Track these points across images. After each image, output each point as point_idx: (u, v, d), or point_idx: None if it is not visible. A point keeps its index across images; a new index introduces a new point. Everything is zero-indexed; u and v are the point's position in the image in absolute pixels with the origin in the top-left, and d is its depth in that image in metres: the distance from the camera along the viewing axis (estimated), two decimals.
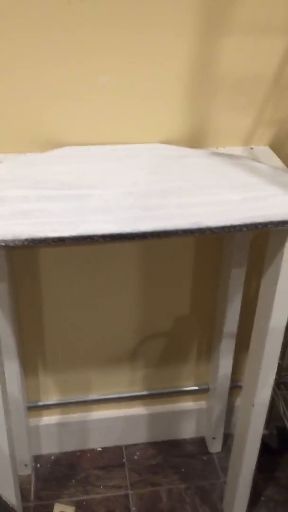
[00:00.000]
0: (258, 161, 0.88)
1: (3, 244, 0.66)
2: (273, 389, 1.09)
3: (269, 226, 0.73)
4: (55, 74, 0.85)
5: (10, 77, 0.85)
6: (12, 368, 1.06)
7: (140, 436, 1.27)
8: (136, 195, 0.78)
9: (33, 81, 0.85)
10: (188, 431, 1.29)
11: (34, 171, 0.82)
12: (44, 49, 0.83)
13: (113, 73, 0.87)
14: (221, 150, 0.94)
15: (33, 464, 1.22)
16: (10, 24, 0.81)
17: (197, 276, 1.10)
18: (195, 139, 0.94)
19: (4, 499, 0.94)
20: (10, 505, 0.95)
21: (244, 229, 0.72)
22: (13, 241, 0.66)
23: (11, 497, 0.96)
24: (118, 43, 0.85)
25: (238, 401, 1.27)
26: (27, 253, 1.01)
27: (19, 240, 0.66)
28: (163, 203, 0.76)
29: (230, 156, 0.89)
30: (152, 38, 0.85)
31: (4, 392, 0.86)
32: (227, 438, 1.29)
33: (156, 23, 0.84)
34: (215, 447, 1.26)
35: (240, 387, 1.24)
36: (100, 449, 1.27)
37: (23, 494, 1.15)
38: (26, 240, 0.67)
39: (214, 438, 1.25)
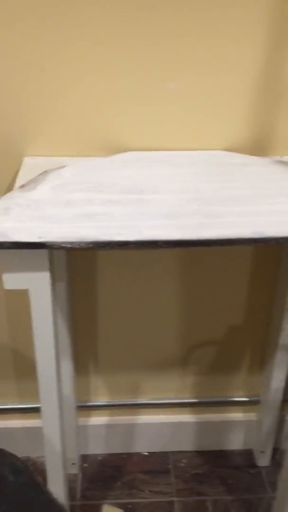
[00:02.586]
0: None
1: (69, 246, 0.67)
2: None
3: None
4: (122, 80, 0.87)
5: (78, 83, 0.86)
6: (65, 367, 1.07)
7: (187, 443, 1.26)
8: (199, 201, 0.77)
9: (99, 87, 0.87)
10: (236, 442, 1.26)
11: (98, 175, 0.83)
12: (112, 56, 0.85)
13: (179, 80, 0.87)
14: (286, 158, 0.92)
15: (80, 463, 1.23)
16: (80, 32, 0.83)
17: (253, 284, 1.08)
18: (259, 147, 0.93)
19: (54, 496, 0.95)
20: (60, 503, 0.96)
21: None
22: (79, 243, 0.68)
23: (60, 495, 0.98)
24: (185, 50, 0.85)
25: None
26: (85, 255, 1.03)
27: (84, 243, 0.68)
28: (227, 211, 0.75)
29: None
30: (219, 45, 0.85)
31: (60, 390, 0.88)
32: (276, 453, 1.26)
33: (224, 31, 0.84)
34: (263, 461, 1.24)
35: None
36: (146, 453, 1.27)
37: (70, 492, 1.16)
38: (91, 242, 0.68)
39: (262, 452, 1.22)
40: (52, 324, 0.79)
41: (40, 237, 0.68)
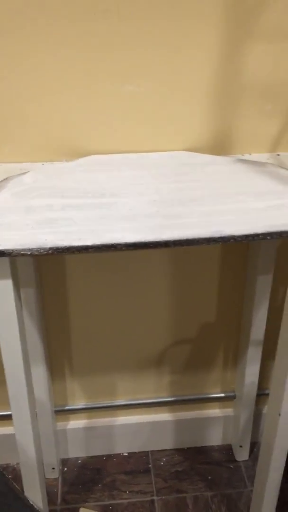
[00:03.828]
0: (285, 168, 0.87)
1: (29, 253, 0.67)
2: None
3: None
4: (81, 84, 0.87)
5: (37, 87, 0.86)
6: (40, 372, 1.07)
7: (166, 442, 1.27)
8: (159, 203, 0.78)
9: (59, 91, 0.87)
10: (214, 438, 1.28)
11: (59, 180, 0.84)
12: (70, 58, 0.85)
13: (137, 81, 0.88)
14: (246, 157, 0.94)
15: (60, 467, 1.23)
16: (38, 39, 0.83)
17: (222, 282, 1.09)
18: (220, 146, 0.94)
19: (31, 502, 0.95)
20: (37, 509, 0.96)
21: (268, 238, 0.72)
22: (38, 249, 0.68)
23: (38, 501, 0.98)
24: (142, 51, 0.85)
25: (266, 409, 1.25)
26: (54, 259, 1.03)
27: (44, 249, 0.68)
28: (186, 212, 0.76)
29: (255, 163, 0.89)
30: (176, 45, 0.85)
31: (31, 396, 0.88)
32: (254, 446, 1.27)
33: (180, 30, 0.84)
34: (242, 455, 1.25)
35: (267, 395, 1.23)
36: (126, 454, 1.27)
37: (50, 497, 1.17)
38: (50, 248, 0.68)
39: (241, 446, 1.24)
40: (18, 332, 0.79)
41: None
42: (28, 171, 0.86)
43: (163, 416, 1.24)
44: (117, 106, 0.89)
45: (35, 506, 0.96)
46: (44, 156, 0.92)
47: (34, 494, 0.97)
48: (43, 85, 0.86)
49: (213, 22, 0.84)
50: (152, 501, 1.17)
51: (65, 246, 0.68)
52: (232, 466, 1.25)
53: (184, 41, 0.85)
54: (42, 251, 0.68)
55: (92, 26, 0.83)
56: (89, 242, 0.69)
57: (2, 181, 0.83)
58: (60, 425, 1.22)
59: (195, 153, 0.92)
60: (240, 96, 0.90)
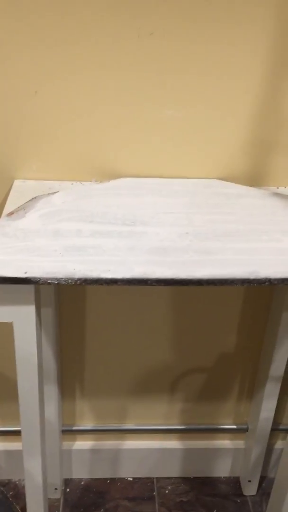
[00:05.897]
0: None
1: (56, 282, 0.65)
2: None
3: None
4: (116, 105, 0.84)
5: (72, 107, 0.84)
6: (50, 390, 1.05)
7: (172, 470, 1.24)
8: (191, 236, 0.75)
9: (93, 111, 0.85)
10: (222, 470, 1.24)
11: (89, 203, 0.81)
12: (107, 81, 0.82)
13: (176, 107, 0.85)
14: (281, 190, 0.91)
15: (63, 487, 1.21)
16: (73, 56, 0.81)
17: (244, 315, 1.06)
18: (255, 177, 0.91)
19: None
20: None
21: None
22: (66, 279, 0.65)
23: None
24: (183, 77, 0.83)
25: (278, 444, 1.22)
26: None
27: (72, 279, 0.65)
28: (219, 247, 0.73)
29: None
30: (217, 75, 0.83)
31: (42, 415, 0.85)
32: (263, 481, 1.24)
33: (222, 62, 0.82)
34: (250, 489, 1.22)
35: (281, 430, 1.20)
36: (130, 479, 1.24)
37: None
38: (79, 279, 0.65)
39: (249, 481, 1.20)
40: (36, 356, 0.76)
41: (26, 272, 0.65)
42: (57, 191, 0.84)
43: (172, 443, 1.21)
44: (153, 129, 0.86)
45: None
46: (73, 175, 0.90)
47: None
48: (76, 104, 0.84)
49: (257, 53, 0.81)
50: None
51: (94, 278, 0.66)
52: (239, 500, 1.21)
53: (227, 71, 0.82)
54: (70, 281, 0.65)
55: (135, 48, 0.80)
56: (118, 275, 0.66)
57: (31, 200, 0.81)
58: (66, 444, 1.19)
59: (229, 183, 0.89)
60: (278, 127, 0.87)
